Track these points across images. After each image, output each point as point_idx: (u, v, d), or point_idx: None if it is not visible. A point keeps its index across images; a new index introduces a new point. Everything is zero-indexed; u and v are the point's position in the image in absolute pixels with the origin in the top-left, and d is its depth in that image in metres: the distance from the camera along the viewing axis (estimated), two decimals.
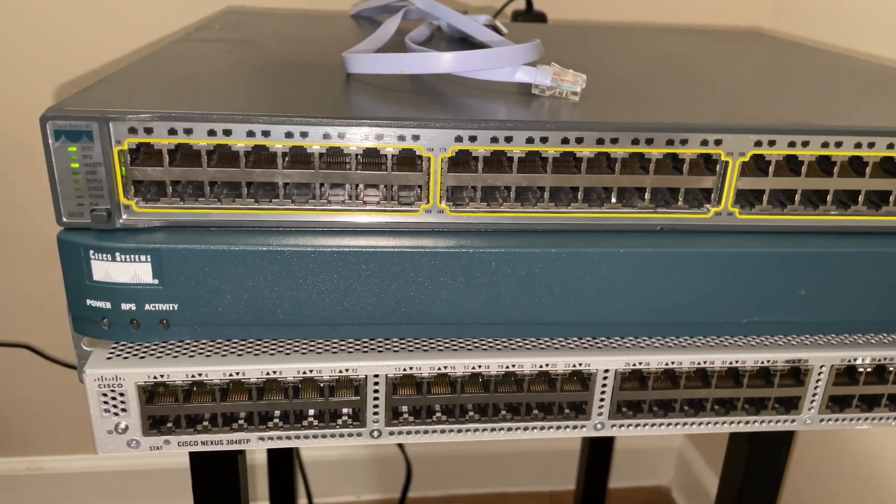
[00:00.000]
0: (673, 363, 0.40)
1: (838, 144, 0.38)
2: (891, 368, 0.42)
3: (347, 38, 0.62)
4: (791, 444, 0.53)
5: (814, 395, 0.42)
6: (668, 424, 0.42)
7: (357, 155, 0.36)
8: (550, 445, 1.17)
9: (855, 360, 0.41)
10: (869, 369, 0.42)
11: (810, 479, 0.88)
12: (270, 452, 0.87)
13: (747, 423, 0.42)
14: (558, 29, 0.76)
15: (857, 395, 0.42)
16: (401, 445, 1.10)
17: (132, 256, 0.35)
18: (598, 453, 0.93)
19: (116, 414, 0.37)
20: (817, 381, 0.41)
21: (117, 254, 0.35)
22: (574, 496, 1.00)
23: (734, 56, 0.63)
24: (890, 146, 0.39)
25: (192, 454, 0.46)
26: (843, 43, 0.82)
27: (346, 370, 0.38)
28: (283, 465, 0.88)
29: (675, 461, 1.24)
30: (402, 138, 0.36)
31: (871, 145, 0.38)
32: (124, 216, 0.36)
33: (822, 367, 0.41)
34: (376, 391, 0.39)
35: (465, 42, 0.61)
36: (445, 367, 0.39)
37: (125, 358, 0.37)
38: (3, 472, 1.05)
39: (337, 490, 1.13)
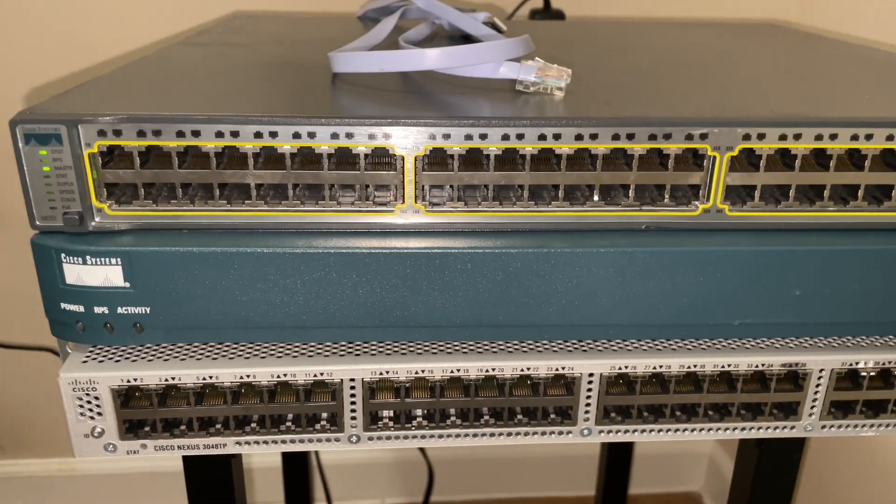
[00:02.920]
0: (661, 367, 0.38)
1: (833, 137, 0.36)
2: None
3: (346, 39, 0.61)
4: (803, 451, 0.51)
5: (814, 400, 0.40)
6: (660, 430, 0.40)
7: (329, 155, 0.36)
8: (574, 450, 1.15)
9: (857, 363, 0.39)
10: (873, 373, 0.39)
11: (825, 487, 0.85)
12: (284, 455, 0.87)
13: (744, 429, 0.40)
14: (566, 26, 0.75)
15: (861, 401, 0.40)
16: (422, 449, 1.10)
17: (103, 260, 0.35)
18: (617, 458, 0.91)
19: (92, 418, 0.37)
20: (817, 385, 0.39)
21: (88, 257, 0.35)
22: (594, 502, 0.98)
23: (741, 49, 0.61)
24: (889, 138, 0.36)
25: (185, 458, 0.46)
26: (871, 35, 0.78)
27: (322, 374, 0.37)
28: (298, 467, 0.88)
29: (707, 466, 1.21)
30: (372, 137, 0.35)
31: (868, 137, 0.36)
32: (97, 219, 0.36)
33: (821, 370, 0.39)
34: (353, 395, 0.38)
35: (465, 40, 0.60)
36: (423, 371, 0.38)
37: (100, 361, 0.37)
38: (36, 473, 1.07)
39: (358, 494, 1.13)
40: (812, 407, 0.40)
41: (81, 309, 0.36)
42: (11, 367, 0.99)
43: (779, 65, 0.54)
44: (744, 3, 0.92)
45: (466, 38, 0.60)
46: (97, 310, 0.36)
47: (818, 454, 0.90)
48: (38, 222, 0.36)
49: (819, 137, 0.36)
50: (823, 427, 0.40)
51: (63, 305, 0.36)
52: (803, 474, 0.95)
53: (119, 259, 0.35)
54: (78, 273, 0.35)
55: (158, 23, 0.84)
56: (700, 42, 0.64)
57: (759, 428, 0.40)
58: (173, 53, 0.51)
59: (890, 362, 0.39)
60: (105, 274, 0.35)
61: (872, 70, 0.51)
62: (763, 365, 0.39)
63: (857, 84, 0.46)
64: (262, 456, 1.06)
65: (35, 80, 0.86)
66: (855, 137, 0.36)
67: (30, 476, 1.07)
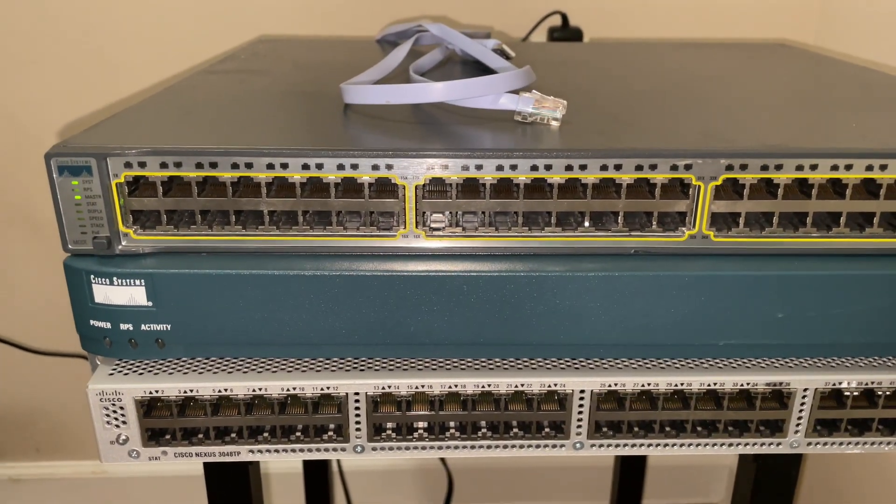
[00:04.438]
0: (650, 384, 0.40)
1: (813, 167, 0.38)
2: (879, 392, 0.41)
3: (363, 64, 0.64)
4: (801, 465, 0.53)
5: (799, 418, 0.41)
6: (650, 445, 0.42)
7: (336, 184, 0.38)
8: (590, 461, 1.16)
9: (840, 383, 0.40)
10: (856, 393, 0.41)
11: (827, 500, 0.85)
12: (305, 462, 0.90)
13: (731, 445, 0.42)
14: (576, 49, 0.77)
15: (846, 419, 0.41)
16: (442, 458, 1.12)
17: (128, 281, 0.38)
18: (630, 469, 0.92)
19: (118, 426, 0.40)
20: (801, 404, 0.41)
21: (115, 278, 0.38)
22: None
23: (742, 72, 0.62)
24: (868, 168, 0.38)
25: (205, 464, 0.49)
26: (885, 59, 0.79)
27: (328, 388, 0.40)
28: (319, 474, 0.91)
29: (728, 479, 1.22)
30: (376, 167, 0.38)
31: (848, 167, 0.38)
32: (123, 243, 0.39)
33: (805, 390, 0.41)
34: (357, 408, 0.40)
35: (477, 65, 0.62)
36: (423, 386, 0.40)
37: (125, 374, 0.40)
38: (70, 475, 1.11)
39: (378, 501, 1.15)
40: (797, 424, 0.41)
41: (108, 326, 0.39)
42: (48, 373, 1.04)
43: (775, 89, 0.56)
44: (762, 23, 0.93)
45: (477, 64, 0.62)
46: (123, 327, 0.39)
47: (821, 466, 0.90)
48: (70, 246, 0.39)
49: (800, 168, 0.38)
50: (809, 444, 0.42)
51: (92, 322, 0.39)
52: (804, 486, 0.96)
53: (143, 280, 0.38)
54: (106, 293, 0.39)
55: (190, 47, 0.88)
56: (704, 64, 0.66)
57: (747, 444, 0.42)
58: (197, 82, 0.55)
59: (873, 382, 0.41)
60: (130, 294, 0.39)
61: (872, 96, 0.53)
62: (748, 384, 0.40)
63: (851, 111, 0.48)
64: (283, 462, 1.09)
65: (72, 105, 0.90)
66: (835, 168, 0.38)
67: (63, 478, 1.11)
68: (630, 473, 0.92)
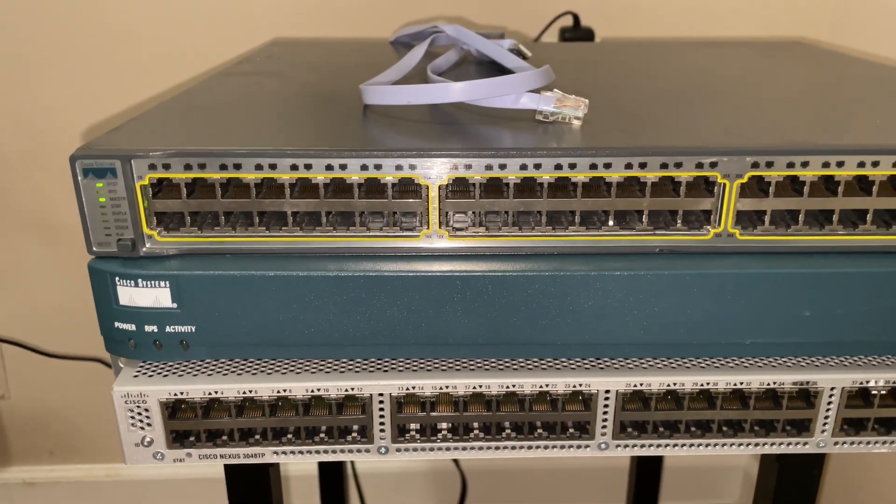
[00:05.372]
0: (675, 384, 0.40)
1: (840, 164, 0.38)
2: None
3: (378, 66, 0.64)
4: (823, 466, 0.52)
5: (826, 417, 0.41)
6: (675, 445, 0.42)
7: (359, 184, 0.38)
8: (605, 462, 1.16)
9: (867, 382, 0.40)
10: (884, 391, 0.41)
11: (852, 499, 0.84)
12: (321, 464, 0.90)
13: (757, 445, 0.42)
14: (591, 48, 0.77)
15: (873, 418, 0.41)
16: (455, 460, 1.12)
17: (153, 283, 0.38)
18: (646, 470, 0.92)
19: (142, 428, 0.40)
20: (829, 403, 0.41)
21: (140, 280, 0.38)
22: None
23: (761, 70, 0.62)
24: (895, 165, 0.38)
25: (226, 466, 0.49)
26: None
27: (353, 389, 0.40)
28: (334, 476, 0.91)
29: (742, 480, 1.21)
30: (399, 168, 0.38)
31: (875, 164, 0.38)
32: (147, 245, 0.39)
33: (832, 389, 0.40)
34: (381, 409, 0.40)
35: (493, 65, 0.62)
36: (448, 387, 0.40)
37: (150, 376, 0.40)
38: (83, 479, 1.11)
39: (392, 502, 1.15)
40: (824, 424, 0.41)
41: (133, 328, 0.39)
42: (61, 376, 1.04)
43: (796, 87, 0.56)
44: (775, 20, 0.93)
45: (493, 64, 0.62)
46: (147, 329, 0.39)
47: (842, 466, 0.90)
48: (94, 248, 0.39)
49: (826, 165, 0.38)
50: (836, 443, 0.42)
51: (117, 325, 0.39)
52: (828, 486, 0.95)
53: (167, 282, 0.38)
54: (130, 295, 0.39)
55: (203, 51, 0.88)
56: (722, 63, 0.65)
57: (773, 444, 0.42)
58: (214, 85, 0.55)
59: None
60: (155, 296, 0.39)
61: (892, 92, 0.52)
62: (774, 383, 0.40)
63: (873, 108, 0.48)
64: (298, 464, 1.09)
65: (85, 109, 0.90)
66: (861, 164, 0.38)
67: (77, 481, 1.11)
68: (646, 475, 0.92)
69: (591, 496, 1.18)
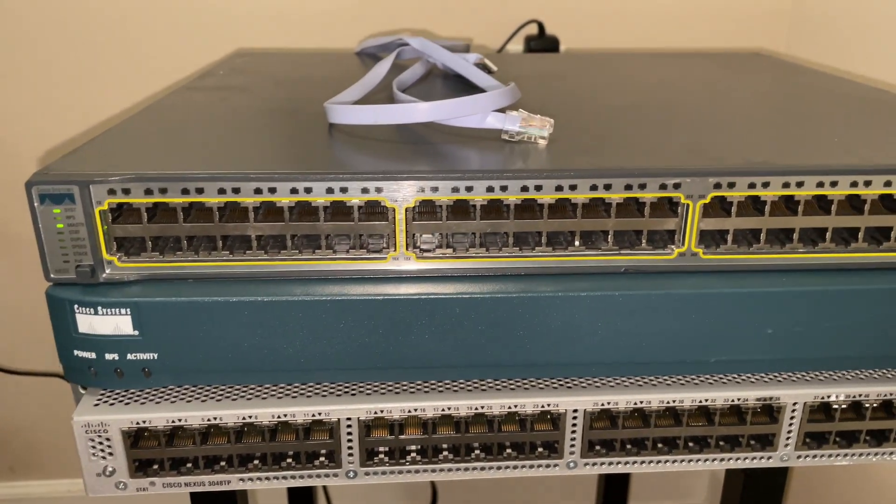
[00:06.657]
0: (642, 402, 0.40)
1: (800, 184, 0.38)
2: (867, 405, 0.41)
3: (344, 79, 0.63)
4: (787, 476, 0.53)
5: (789, 432, 0.42)
6: (642, 462, 0.42)
7: (325, 207, 0.38)
8: None
9: (828, 396, 0.41)
10: (844, 406, 0.41)
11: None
12: None
13: (722, 460, 0.42)
14: (556, 60, 0.77)
15: (835, 432, 0.42)
16: None
17: (113, 310, 0.37)
18: (615, 474, 0.93)
19: (104, 458, 0.39)
20: (791, 418, 0.41)
21: (99, 308, 0.37)
22: None
23: (722, 84, 0.63)
24: (853, 184, 0.39)
25: (191, 494, 0.48)
26: (857, 68, 0.81)
27: (320, 413, 0.39)
28: (302, 489, 0.90)
29: (709, 481, 1.23)
30: (365, 191, 0.38)
31: (833, 184, 0.38)
32: (107, 271, 0.38)
33: (794, 404, 0.41)
34: (349, 433, 0.40)
35: (459, 80, 0.62)
36: (416, 410, 0.40)
37: (111, 404, 0.39)
38: (45, 495, 1.09)
39: None
40: (787, 438, 0.42)
41: (93, 356, 0.38)
42: (21, 391, 1.02)
43: (756, 102, 0.56)
44: (735, 33, 0.94)
45: (460, 78, 0.62)
46: (108, 356, 0.38)
47: (806, 473, 0.91)
48: (52, 275, 0.38)
49: (787, 185, 0.38)
50: (799, 457, 0.42)
51: (76, 353, 0.38)
52: (792, 491, 0.97)
53: (128, 309, 0.37)
54: (90, 322, 0.38)
55: (168, 62, 0.87)
56: (682, 76, 0.66)
57: (738, 458, 0.42)
58: (177, 101, 0.54)
59: (860, 395, 0.41)
60: (115, 323, 0.38)
61: (850, 107, 0.53)
62: (739, 399, 0.41)
63: (831, 125, 0.49)
64: None
65: (46, 120, 0.88)
66: (821, 184, 0.38)
67: (39, 497, 1.09)
68: (615, 477, 0.92)
69: (561, 498, 1.19)
